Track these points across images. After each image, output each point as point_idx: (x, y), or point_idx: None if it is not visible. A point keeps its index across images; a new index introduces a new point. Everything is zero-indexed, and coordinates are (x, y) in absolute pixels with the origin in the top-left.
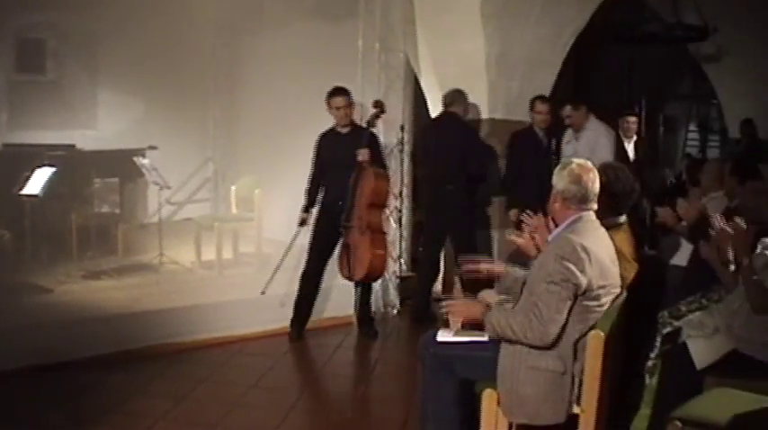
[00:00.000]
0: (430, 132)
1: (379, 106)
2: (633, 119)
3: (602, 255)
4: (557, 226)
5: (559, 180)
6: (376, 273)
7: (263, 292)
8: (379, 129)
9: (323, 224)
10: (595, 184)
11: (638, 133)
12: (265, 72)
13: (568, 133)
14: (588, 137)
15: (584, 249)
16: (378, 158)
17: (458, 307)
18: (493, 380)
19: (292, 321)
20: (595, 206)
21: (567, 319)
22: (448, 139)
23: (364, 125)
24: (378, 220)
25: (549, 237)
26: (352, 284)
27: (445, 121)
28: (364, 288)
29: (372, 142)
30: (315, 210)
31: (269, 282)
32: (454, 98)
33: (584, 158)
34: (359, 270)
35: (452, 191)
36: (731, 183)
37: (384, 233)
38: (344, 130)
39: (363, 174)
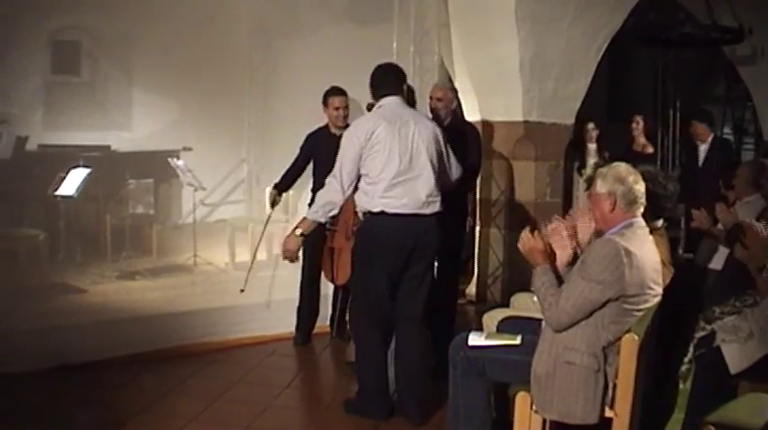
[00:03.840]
0: None
1: (371, 108)
2: (701, 124)
3: (645, 261)
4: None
5: (604, 184)
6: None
7: (241, 290)
8: None
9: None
10: (641, 186)
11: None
12: (300, 75)
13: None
14: None
15: (628, 253)
16: None
17: (529, 244)
18: (524, 383)
19: (297, 326)
20: (642, 210)
21: (591, 318)
22: None
23: None
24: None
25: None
26: None
27: None
28: (345, 292)
29: None
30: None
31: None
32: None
33: None
34: (342, 275)
35: None
36: None
37: None
38: (339, 132)
39: None
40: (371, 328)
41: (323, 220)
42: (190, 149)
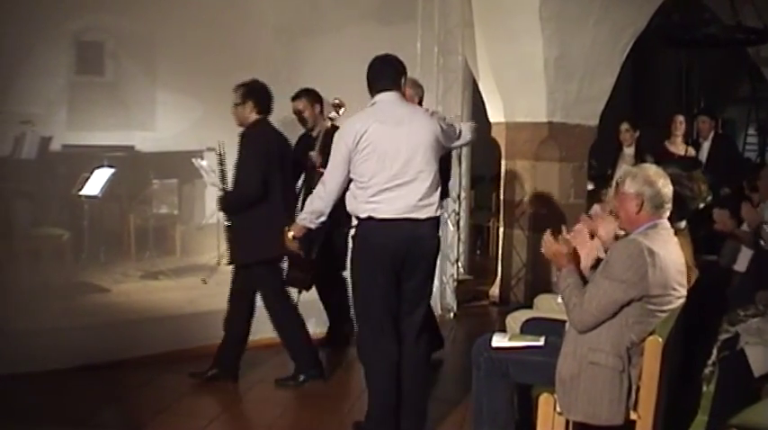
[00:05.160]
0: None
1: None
2: (705, 118)
3: (669, 261)
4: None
5: (633, 184)
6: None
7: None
8: None
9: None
10: (669, 190)
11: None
12: (323, 75)
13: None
14: None
15: (651, 253)
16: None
17: (552, 248)
18: (548, 384)
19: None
20: (668, 213)
21: (615, 318)
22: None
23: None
24: None
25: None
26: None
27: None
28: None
29: (327, 143)
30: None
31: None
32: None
33: None
34: None
35: None
36: None
37: None
38: (315, 133)
39: (313, 181)
40: (376, 348)
41: (312, 227)
42: (213, 149)
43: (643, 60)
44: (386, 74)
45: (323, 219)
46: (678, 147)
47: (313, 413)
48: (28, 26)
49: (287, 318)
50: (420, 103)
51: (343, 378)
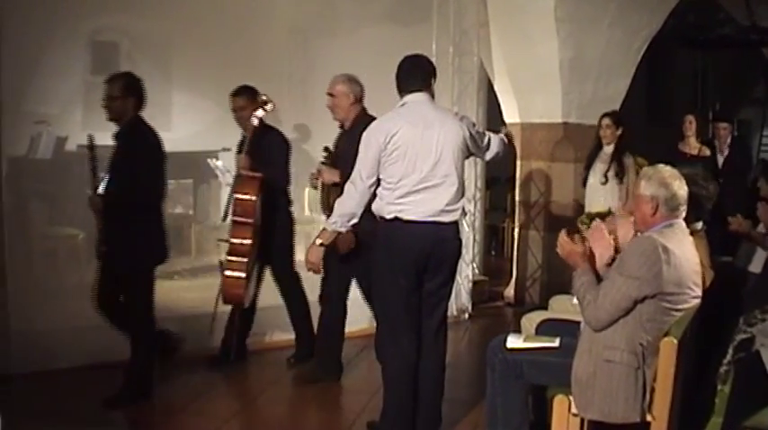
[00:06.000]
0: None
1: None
2: (725, 124)
3: (684, 260)
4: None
5: (649, 186)
6: (227, 297)
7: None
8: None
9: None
10: (684, 191)
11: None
12: None
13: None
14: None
15: (666, 250)
16: (264, 163)
17: (567, 248)
18: (563, 386)
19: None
20: (684, 214)
21: (629, 316)
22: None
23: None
24: (239, 241)
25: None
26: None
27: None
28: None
29: (253, 146)
30: None
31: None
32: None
33: None
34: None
35: None
36: None
37: (243, 257)
38: (246, 135)
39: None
40: (395, 348)
41: (343, 230)
42: (229, 150)
43: (658, 61)
44: (415, 74)
45: (355, 220)
46: (692, 147)
47: (327, 412)
48: (43, 26)
49: (149, 334)
50: (358, 101)
51: (357, 377)
